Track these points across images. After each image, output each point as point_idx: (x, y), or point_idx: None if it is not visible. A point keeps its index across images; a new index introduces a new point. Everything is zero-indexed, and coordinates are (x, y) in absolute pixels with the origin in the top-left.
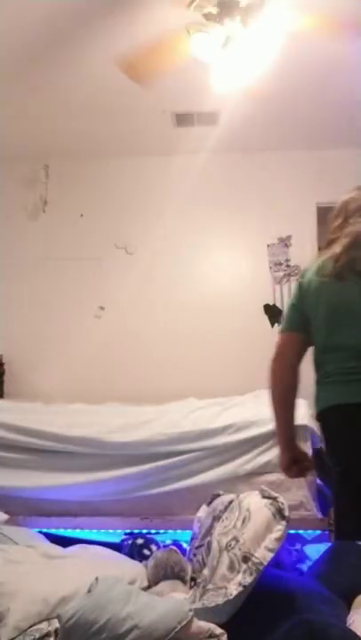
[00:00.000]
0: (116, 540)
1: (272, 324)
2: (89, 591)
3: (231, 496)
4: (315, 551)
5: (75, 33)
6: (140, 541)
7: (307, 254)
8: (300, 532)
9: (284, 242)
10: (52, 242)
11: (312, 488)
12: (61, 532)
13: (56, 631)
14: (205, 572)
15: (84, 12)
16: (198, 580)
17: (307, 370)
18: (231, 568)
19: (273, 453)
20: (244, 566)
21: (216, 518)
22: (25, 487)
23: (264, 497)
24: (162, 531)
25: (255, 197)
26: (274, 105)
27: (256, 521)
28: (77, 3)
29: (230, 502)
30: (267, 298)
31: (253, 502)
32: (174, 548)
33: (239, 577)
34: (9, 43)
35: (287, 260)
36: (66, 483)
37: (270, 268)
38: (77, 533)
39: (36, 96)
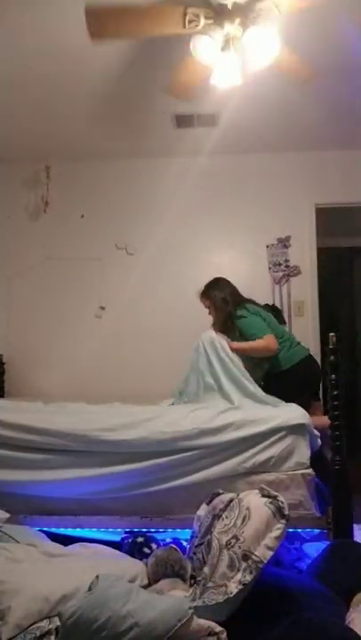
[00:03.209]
0: (117, 538)
1: None
2: (89, 589)
3: (231, 495)
4: (313, 549)
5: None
6: (140, 540)
7: (306, 255)
8: (299, 530)
9: (284, 242)
10: (53, 242)
11: (311, 487)
12: (62, 530)
13: (57, 629)
14: (206, 570)
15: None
16: (198, 578)
17: None
18: (231, 566)
19: (272, 452)
20: (244, 564)
21: (216, 517)
22: (24, 483)
23: (264, 496)
24: (162, 529)
25: (254, 198)
26: (273, 106)
27: (256, 519)
28: None
29: (230, 501)
30: (266, 298)
31: (253, 501)
32: (174, 546)
33: (239, 575)
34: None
35: (286, 261)
36: (66, 479)
37: (270, 268)
38: (78, 532)
39: (37, 97)
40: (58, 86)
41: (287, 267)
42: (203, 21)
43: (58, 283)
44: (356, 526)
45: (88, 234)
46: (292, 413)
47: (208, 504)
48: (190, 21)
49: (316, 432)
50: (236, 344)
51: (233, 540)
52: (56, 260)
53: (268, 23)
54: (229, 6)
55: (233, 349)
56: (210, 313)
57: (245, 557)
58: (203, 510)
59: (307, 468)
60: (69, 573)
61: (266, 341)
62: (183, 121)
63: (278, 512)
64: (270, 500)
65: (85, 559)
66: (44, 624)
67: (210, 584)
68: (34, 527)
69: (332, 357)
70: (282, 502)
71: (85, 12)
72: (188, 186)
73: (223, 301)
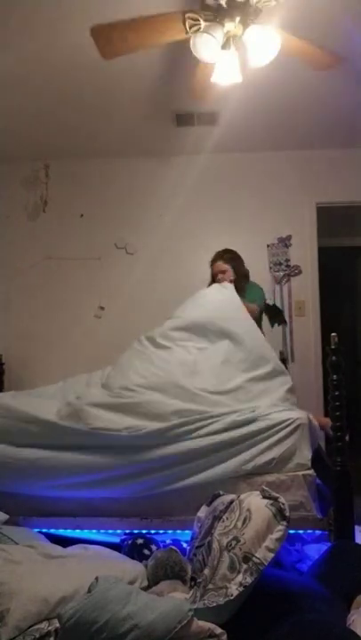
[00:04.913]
0: (116, 540)
1: (272, 325)
2: (89, 591)
3: (232, 496)
4: (315, 551)
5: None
6: (139, 541)
7: (307, 254)
8: (300, 531)
9: (284, 242)
10: (52, 242)
11: (312, 488)
12: (61, 531)
13: (56, 631)
14: (206, 571)
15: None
16: (198, 580)
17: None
18: (232, 568)
19: (274, 453)
20: (244, 566)
21: (217, 518)
22: (23, 483)
23: (265, 497)
24: (162, 531)
25: (255, 197)
26: (274, 105)
27: (257, 521)
28: None
29: (231, 502)
30: (267, 298)
31: (254, 502)
32: (174, 547)
33: (240, 577)
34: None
35: (287, 260)
36: (66, 479)
37: (270, 268)
38: (77, 533)
39: (36, 95)
40: (57, 85)
41: (288, 266)
42: (203, 24)
43: (57, 282)
44: (357, 528)
45: (87, 233)
46: (294, 414)
47: (208, 505)
48: (191, 26)
49: (317, 426)
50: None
51: (233, 542)
52: (55, 259)
53: (269, 20)
54: (224, 5)
55: None
56: (221, 277)
57: (246, 559)
58: (203, 512)
59: (308, 469)
60: (69, 575)
61: (254, 310)
62: (183, 119)
63: (279, 513)
64: (271, 501)
65: (85, 561)
66: (44, 626)
67: (210, 586)
68: (33, 528)
69: (333, 357)
70: (283, 504)
71: (91, 34)
72: (189, 185)
73: (245, 270)
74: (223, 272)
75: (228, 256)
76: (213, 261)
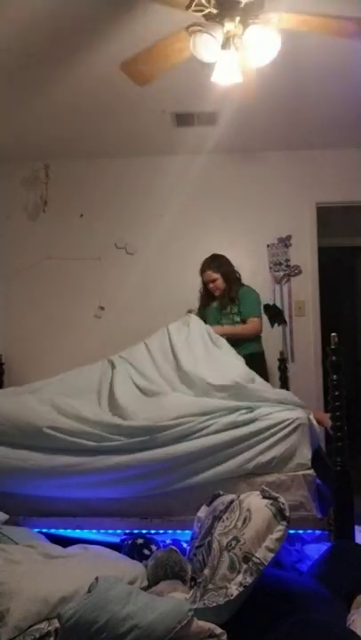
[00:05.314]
0: (116, 540)
1: (272, 324)
2: (89, 591)
3: (232, 496)
4: (314, 551)
5: (76, 35)
6: (139, 541)
7: (307, 254)
8: (300, 531)
9: (284, 242)
10: (52, 242)
11: (312, 488)
12: (61, 531)
13: (56, 631)
14: (206, 571)
15: (87, 14)
16: (198, 580)
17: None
18: (232, 568)
19: (274, 453)
20: (244, 566)
21: (217, 518)
22: (23, 483)
23: (265, 497)
24: (162, 530)
25: (255, 197)
26: (273, 105)
27: (257, 521)
28: (80, 6)
29: (231, 502)
30: (267, 298)
31: (254, 502)
32: (174, 547)
33: (240, 577)
34: (10, 42)
35: (287, 260)
36: (66, 479)
37: (270, 268)
38: (77, 533)
39: (36, 96)
40: (57, 84)
41: (288, 266)
42: (208, 10)
43: (57, 282)
44: (357, 528)
45: (87, 233)
46: (294, 413)
47: (208, 505)
48: (197, 5)
49: (317, 427)
50: (229, 329)
51: (233, 542)
52: (55, 259)
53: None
54: (242, 5)
55: (222, 334)
56: (213, 286)
57: (246, 559)
58: (203, 512)
59: (308, 469)
60: (69, 575)
61: (258, 325)
62: (183, 120)
63: (279, 513)
64: (271, 501)
65: (85, 561)
66: (44, 626)
67: (210, 586)
68: (33, 528)
69: (333, 357)
70: (283, 504)
71: (122, 69)
72: (189, 185)
73: (235, 274)
74: (214, 281)
75: (216, 264)
76: (202, 271)
